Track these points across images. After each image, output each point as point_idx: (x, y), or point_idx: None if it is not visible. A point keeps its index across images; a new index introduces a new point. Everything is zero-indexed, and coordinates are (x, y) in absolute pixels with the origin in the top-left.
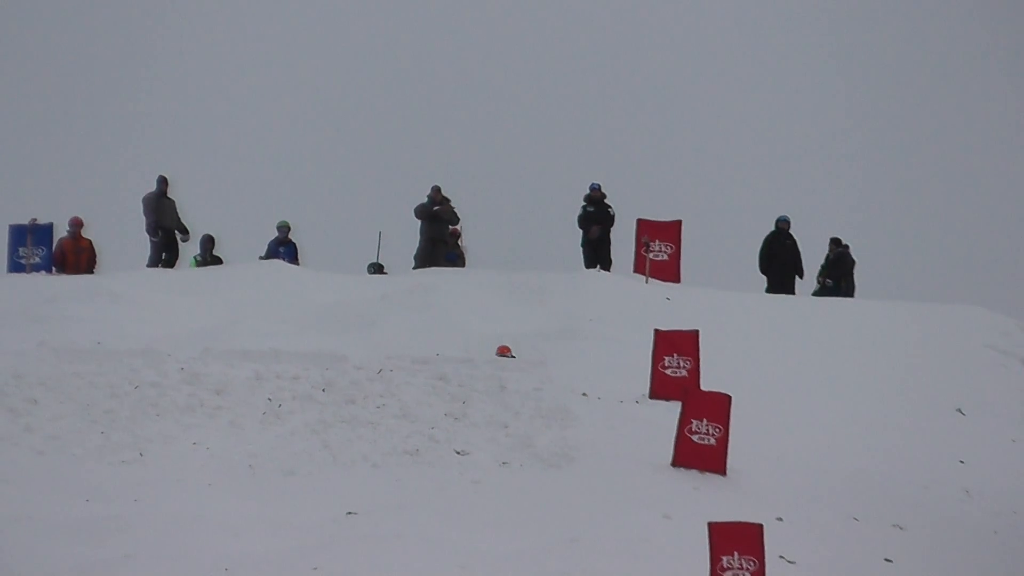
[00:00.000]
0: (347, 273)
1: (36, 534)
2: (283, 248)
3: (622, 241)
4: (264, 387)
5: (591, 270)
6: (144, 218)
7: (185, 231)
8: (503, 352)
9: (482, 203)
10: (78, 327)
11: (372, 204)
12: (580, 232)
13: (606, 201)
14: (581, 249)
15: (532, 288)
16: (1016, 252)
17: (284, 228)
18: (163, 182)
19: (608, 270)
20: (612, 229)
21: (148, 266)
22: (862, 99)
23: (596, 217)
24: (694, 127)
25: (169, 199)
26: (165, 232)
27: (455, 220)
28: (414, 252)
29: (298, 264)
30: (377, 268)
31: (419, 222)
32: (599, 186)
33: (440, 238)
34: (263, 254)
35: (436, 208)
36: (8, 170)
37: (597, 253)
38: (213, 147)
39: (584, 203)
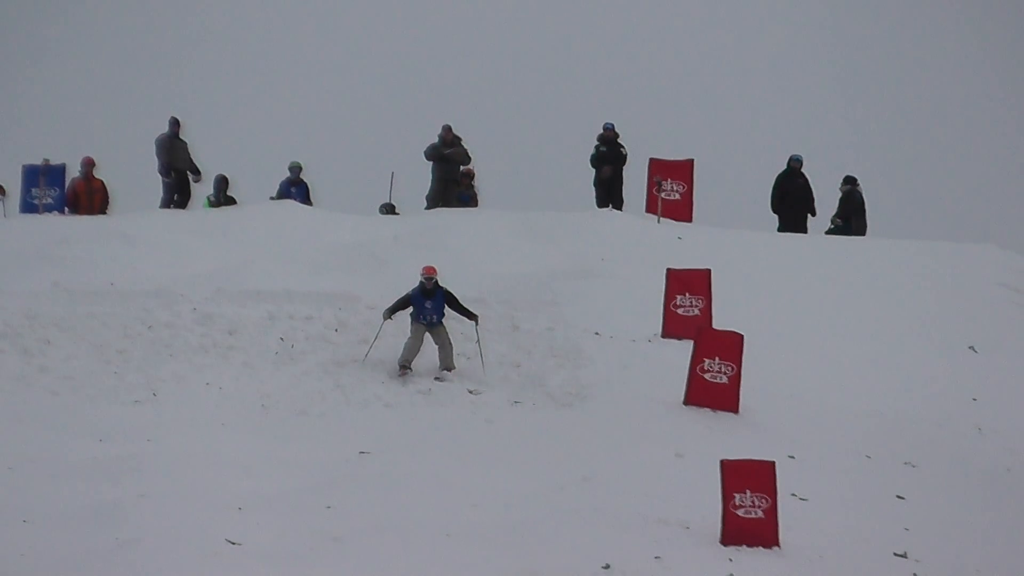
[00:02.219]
0: (359, 214)
1: (50, 474)
2: (295, 189)
3: (634, 181)
4: (277, 327)
5: (603, 210)
6: (157, 159)
7: (197, 172)
8: (429, 273)
9: (494, 143)
10: (91, 268)
11: (384, 145)
12: (592, 172)
13: (619, 141)
14: (593, 189)
15: (544, 228)
16: None
17: (296, 169)
18: (175, 124)
19: (620, 210)
20: (624, 169)
21: (161, 207)
22: (877, 34)
23: (609, 157)
24: (707, 65)
25: (181, 140)
26: (178, 173)
27: (467, 160)
28: (426, 193)
29: (310, 204)
30: (389, 209)
31: (431, 163)
32: (612, 126)
33: (452, 178)
34: (275, 195)
35: (448, 150)
36: (21, 111)
37: (609, 193)
38: (225, 88)
39: (597, 143)
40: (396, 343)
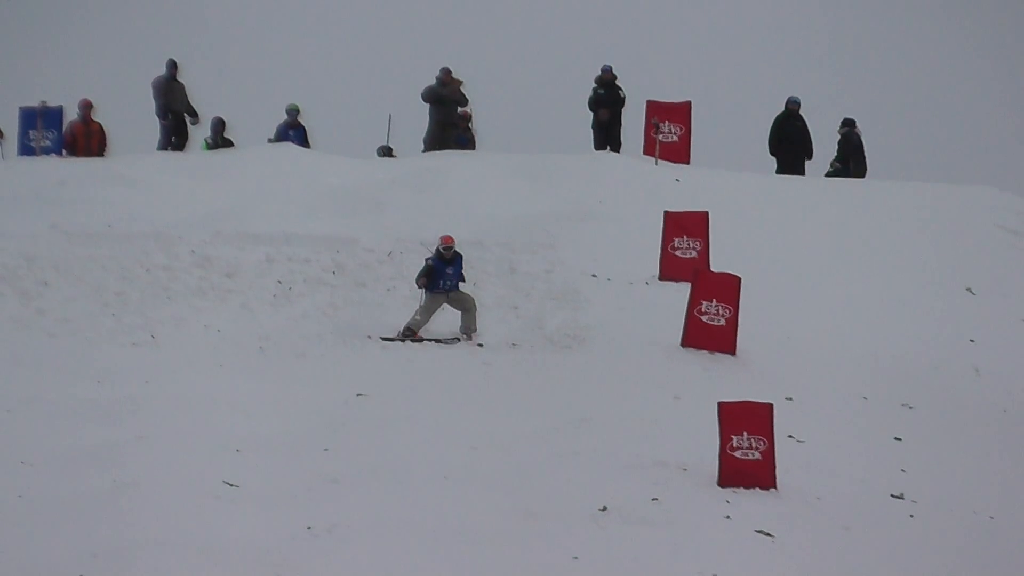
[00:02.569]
0: (357, 156)
1: (49, 416)
2: (293, 131)
3: (632, 123)
4: (274, 270)
5: (601, 152)
6: (154, 101)
7: (195, 114)
8: (447, 243)
9: (492, 85)
10: (89, 210)
11: (382, 87)
12: (590, 114)
13: (617, 83)
14: (591, 131)
15: (542, 171)
16: None
17: (293, 111)
18: (172, 66)
19: (618, 152)
20: (622, 111)
21: (158, 149)
22: None
23: (606, 99)
24: (705, 6)
25: (179, 82)
26: (175, 115)
27: (464, 102)
28: (423, 135)
29: (308, 147)
30: (386, 151)
31: (428, 105)
32: (610, 68)
33: (449, 121)
34: (273, 137)
35: (445, 90)
36: (18, 53)
37: (607, 135)
38: (223, 30)
39: (595, 85)
40: (396, 285)
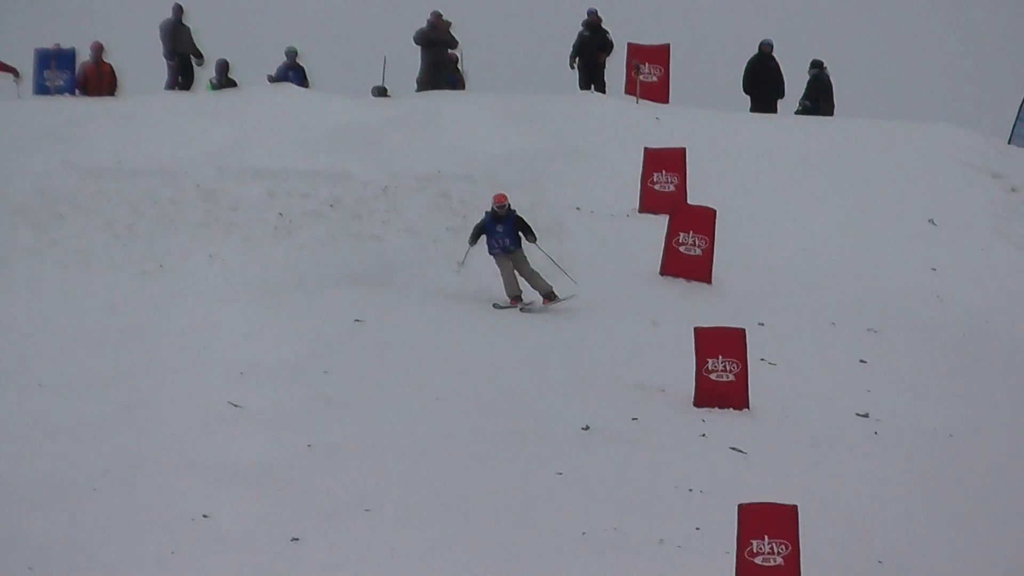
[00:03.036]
0: (353, 96)
1: (62, 343)
2: (292, 72)
3: (613, 64)
4: (275, 204)
5: (585, 92)
6: (161, 44)
7: (200, 56)
8: (500, 201)
9: (481, 28)
10: (100, 147)
11: (377, 29)
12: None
13: (603, 26)
14: (577, 72)
15: (529, 110)
16: (988, 72)
17: (292, 53)
18: (179, 10)
19: (603, 92)
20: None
21: (165, 89)
22: None
23: (592, 41)
24: None
25: (184, 25)
26: (181, 57)
27: (454, 44)
28: (416, 76)
29: (307, 87)
30: (381, 91)
31: (420, 47)
32: (595, 11)
33: (440, 62)
34: (273, 76)
35: (435, 32)
36: None
37: (592, 76)
38: None
39: (581, 28)
40: (391, 218)
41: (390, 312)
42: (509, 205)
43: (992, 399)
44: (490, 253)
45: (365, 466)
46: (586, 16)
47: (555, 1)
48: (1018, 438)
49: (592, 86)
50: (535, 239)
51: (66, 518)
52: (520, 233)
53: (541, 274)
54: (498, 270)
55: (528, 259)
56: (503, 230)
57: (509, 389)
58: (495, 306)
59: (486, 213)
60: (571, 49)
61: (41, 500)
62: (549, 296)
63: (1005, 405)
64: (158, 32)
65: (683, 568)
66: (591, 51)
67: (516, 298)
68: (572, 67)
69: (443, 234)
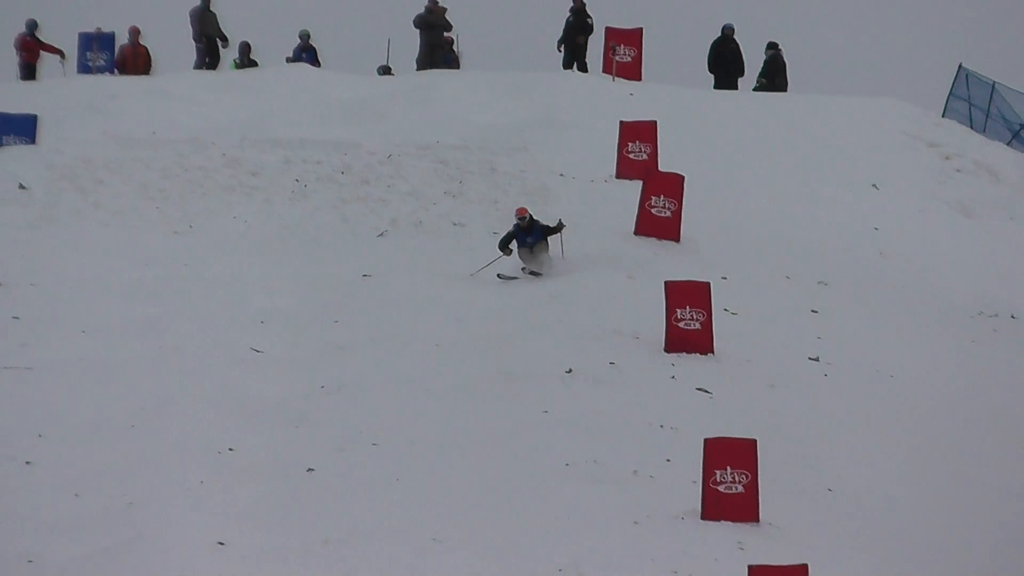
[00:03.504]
0: (360, 74)
1: (104, 293)
2: (305, 53)
3: (592, 45)
4: (292, 170)
5: (568, 71)
6: (191, 28)
7: (225, 39)
8: (521, 214)
9: (475, 12)
10: (136, 119)
11: (381, 14)
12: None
13: (587, 11)
14: (561, 52)
15: (517, 85)
16: (926, 51)
17: (305, 36)
18: None
19: (585, 71)
20: (589, 37)
21: (195, 68)
22: None
23: (575, 25)
24: None
25: (211, 12)
26: (208, 40)
27: (449, 27)
28: (416, 56)
29: (319, 66)
30: (385, 70)
31: (418, 30)
32: None
33: (437, 43)
34: (291, 57)
35: (432, 17)
36: None
37: (573, 56)
38: None
39: (569, 13)
40: (395, 183)
41: (394, 267)
42: (531, 216)
43: (928, 343)
44: (518, 247)
45: (372, 404)
46: (572, 1)
47: None
48: (951, 377)
49: (575, 65)
50: (559, 229)
51: (107, 450)
52: (547, 235)
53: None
54: (520, 258)
55: (545, 249)
56: (532, 239)
57: (500, 335)
58: (499, 276)
59: (514, 226)
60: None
61: (85, 434)
62: (534, 273)
63: (940, 348)
64: (188, 17)
65: (655, 496)
66: (573, 34)
67: (534, 273)
68: (559, 49)
69: (441, 197)
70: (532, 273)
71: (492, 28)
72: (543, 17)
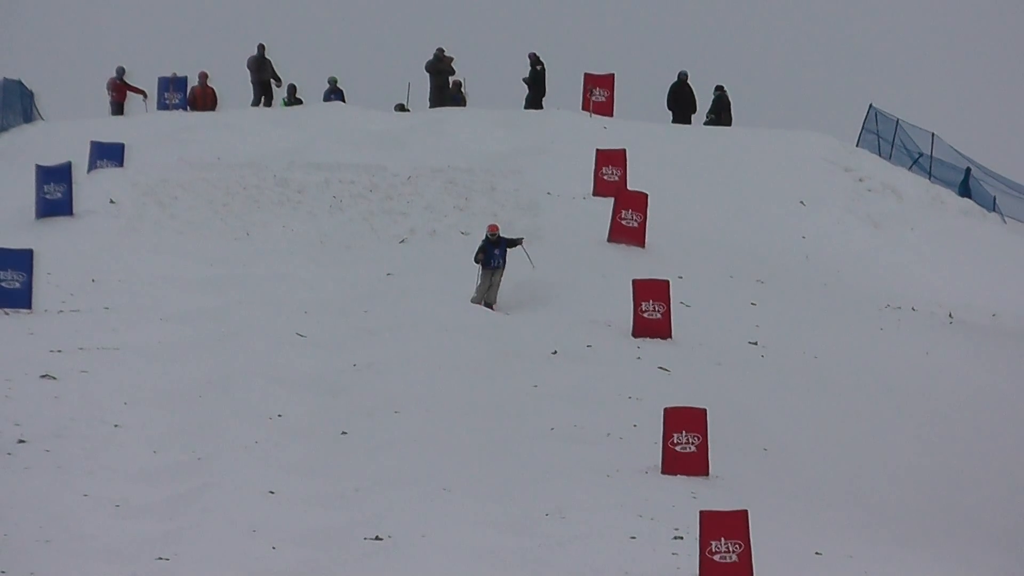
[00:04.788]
0: (382, 110)
1: (178, 287)
2: (334, 95)
3: (574, 87)
4: (330, 188)
5: (552, 109)
6: (249, 73)
7: (279, 80)
8: (492, 231)
9: (479, 60)
10: (204, 147)
11: (399, 61)
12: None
13: (537, 66)
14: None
15: (513, 120)
16: (843, 92)
17: (333, 81)
18: (262, 48)
19: (541, 108)
20: (546, 81)
21: (251, 105)
22: None
23: (532, 75)
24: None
25: (267, 59)
26: (263, 83)
27: (453, 72)
28: (428, 95)
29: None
30: (401, 107)
31: (428, 75)
32: (535, 53)
33: (444, 85)
34: (323, 98)
35: (440, 64)
36: (156, 39)
37: (534, 100)
38: (298, 24)
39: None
40: (414, 199)
41: (412, 267)
42: (499, 234)
43: (846, 331)
44: (485, 267)
45: (395, 379)
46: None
47: (535, 39)
48: (863, 358)
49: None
50: (520, 242)
51: (180, 415)
52: (509, 247)
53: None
54: (479, 279)
55: (500, 281)
56: (499, 252)
57: (496, 323)
58: (474, 301)
59: (484, 239)
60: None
61: (162, 401)
62: (489, 307)
63: (854, 335)
64: (247, 64)
65: (624, 454)
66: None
67: (486, 305)
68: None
69: (451, 211)
70: (487, 305)
71: (493, 74)
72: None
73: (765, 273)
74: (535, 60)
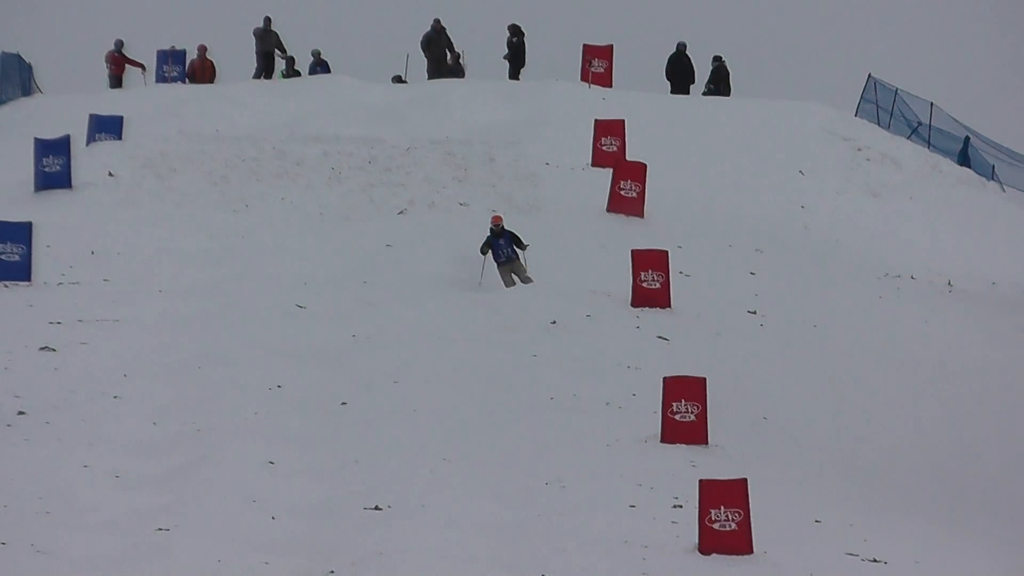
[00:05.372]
0: (378, 82)
1: (178, 259)
2: (319, 67)
3: (572, 58)
4: (329, 160)
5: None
6: (255, 43)
7: (284, 51)
8: (496, 221)
9: (479, 32)
10: (203, 120)
11: (397, 30)
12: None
13: (514, 37)
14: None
15: (512, 91)
16: (842, 62)
17: (317, 53)
18: (268, 20)
19: (518, 78)
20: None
21: (253, 78)
22: None
23: (513, 44)
24: None
25: (273, 31)
26: (267, 54)
27: (451, 46)
28: (426, 68)
29: None
30: (398, 79)
31: (424, 48)
32: (516, 24)
33: (441, 57)
34: (309, 72)
35: (436, 37)
36: (154, 12)
37: (514, 68)
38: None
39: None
40: (413, 171)
41: (410, 238)
42: (503, 225)
43: (843, 298)
44: (496, 261)
45: (394, 350)
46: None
47: (533, 10)
48: (862, 326)
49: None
50: (526, 247)
51: (180, 387)
52: (515, 245)
53: (530, 275)
54: (500, 277)
55: (523, 264)
56: (504, 243)
57: (497, 294)
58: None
59: (489, 231)
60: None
61: (162, 373)
62: (525, 279)
63: (853, 303)
64: (252, 36)
65: (623, 423)
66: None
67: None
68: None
69: (450, 182)
70: (523, 282)
71: (492, 46)
72: (532, 38)
73: (764, 242)
74: (514, 31)
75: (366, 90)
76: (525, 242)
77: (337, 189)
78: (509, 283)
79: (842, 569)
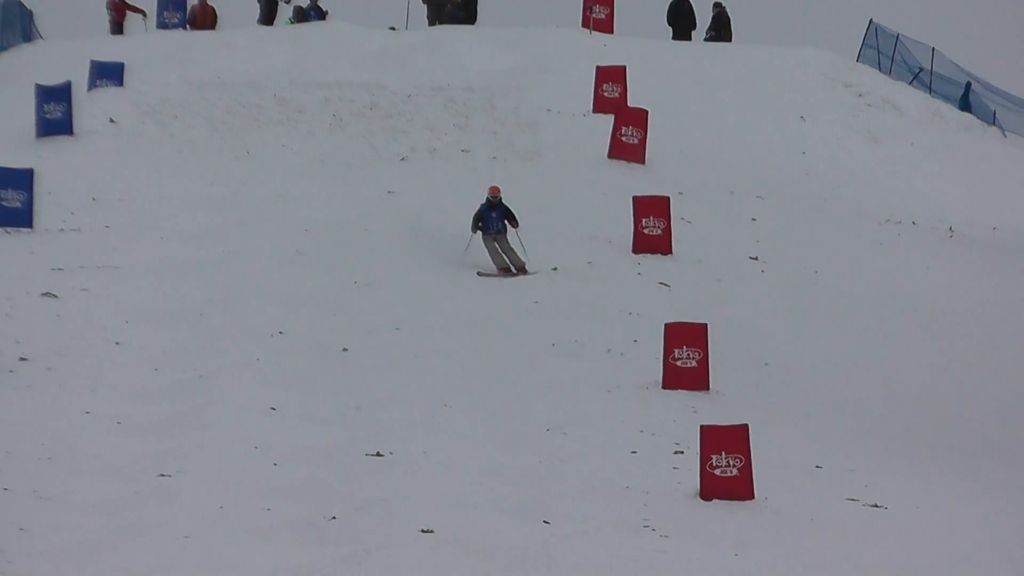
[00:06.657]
0: (381, 28)
1: (179, 205)
2: (314, 12)
3: (574, 5)
4: (330, 107)
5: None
6: None
7: None
8: (494, 192)
9: None
10: (204, 66)
11: None
12: None
13: None
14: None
15: (513, 39)
16: (844, 4)
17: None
18: None
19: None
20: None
21: (258, 23)
22: None
23: None
24: None
25: None
26: (270, 0)
27: None
28: (426, 13)
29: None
30: (392, 29)
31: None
32: None
33: (442, 4)
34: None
35: None
36: None
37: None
38: None
39: None
40: (414, 118)
41: (413, 185)
42: (500, 197)
43: (844, 244)
44: (484, 233)
45: (395, 295)
46: None
47: None
48: (863, 272)
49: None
50: (517, 225)
51: (182, 333)
52: (506, 220)
53: (517, 252)
54: (486, 249)
55: (509, 240)
56: (496, 216)
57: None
58: (479, 274)
59: (483, 203)
60: None
61: (163, 320)
62: (521, 269)
63: (854, 249)
64: None
65: (625, 369)
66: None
67: (504, 269)
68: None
69: (451, 129)
70: (518, 270)
71: None
72: None
73: (765, 189)
74: None
75: (367, 36)
76: (518, 220)
77: (338, 135)
78: (500, 263)
79: (843, 514)
